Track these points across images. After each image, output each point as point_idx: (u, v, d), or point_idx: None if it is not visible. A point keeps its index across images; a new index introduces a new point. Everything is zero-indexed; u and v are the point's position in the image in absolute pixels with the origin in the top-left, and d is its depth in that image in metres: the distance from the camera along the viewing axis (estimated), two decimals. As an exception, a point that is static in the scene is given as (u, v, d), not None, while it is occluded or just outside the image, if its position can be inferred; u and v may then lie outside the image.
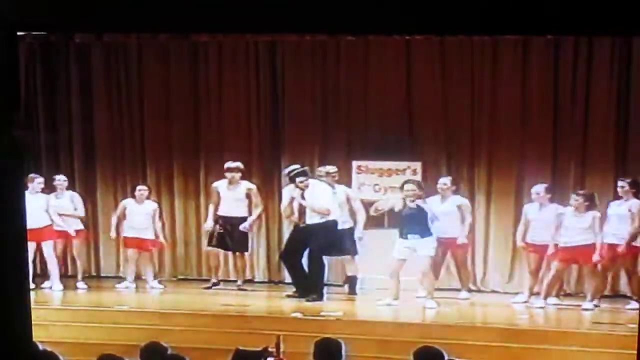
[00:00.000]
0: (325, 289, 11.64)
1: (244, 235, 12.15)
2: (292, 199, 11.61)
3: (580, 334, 10.04)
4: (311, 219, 11.49)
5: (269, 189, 12.52)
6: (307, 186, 11.47)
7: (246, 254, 12.31)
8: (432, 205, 11.26)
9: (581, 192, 11.02)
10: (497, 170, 11.65)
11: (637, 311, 9.95)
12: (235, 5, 5.29)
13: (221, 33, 10.97)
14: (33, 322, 5.84)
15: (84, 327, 10.55)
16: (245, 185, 12.11)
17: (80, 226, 12.36)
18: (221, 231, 12.11)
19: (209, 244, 12.29)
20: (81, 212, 12.35)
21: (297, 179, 11.48)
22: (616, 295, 11.61)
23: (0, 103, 5.13)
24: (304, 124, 12.53)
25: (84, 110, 12.99)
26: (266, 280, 12.91)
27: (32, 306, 5.88)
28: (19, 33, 5.53)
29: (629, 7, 4.99)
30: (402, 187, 11.17)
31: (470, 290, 11.89)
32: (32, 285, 11.88)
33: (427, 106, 12.23)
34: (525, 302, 11.29)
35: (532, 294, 11.32)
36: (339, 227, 11.53)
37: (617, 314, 10.83)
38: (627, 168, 11.50)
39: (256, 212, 12.16)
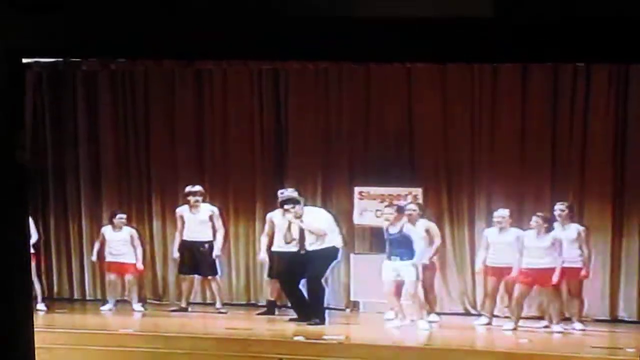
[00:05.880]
0: (327, 313, 11.67)
1: (212, 259, 12.24)
2: (290, 223, 11.62)
3: (578, 358, 10.08)
4: (311, 245, 11.54)
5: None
6: (296, 214, 11.48)
7: (217, 277, 12.37)
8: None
9: (541, 214, 11.11)
10: (497, 197, 11.73)
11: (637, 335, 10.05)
12: (238, 33, 5.43)
13: (225, 59, 11.08)
14: (36, 346, 5.94)
15: (88, 351, 10.59)
16: (207, 207, 12.24)
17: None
18: (188, 257, 12.26)
19: (180, 271, 12.47)
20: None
21: (285, 206, 11.54)
22: (615, 319, 11.71)
23: (5, 127, 5.25)
24: (307, 150, 12.62)
25: (90, 134, 13.12)
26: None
27: (36, 329, 5.99)
28: (25, 60, 5.67)
29: (626, 35, 5.12)
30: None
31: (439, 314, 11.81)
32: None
33: (428, 132, 12.34)
34: (488, 324, 11.46)
35: (493, 316, 11.51)
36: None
37: (616, 339, 10.91)
38: (625, 197, 11.62)
39: (220, 236, 12.22)
